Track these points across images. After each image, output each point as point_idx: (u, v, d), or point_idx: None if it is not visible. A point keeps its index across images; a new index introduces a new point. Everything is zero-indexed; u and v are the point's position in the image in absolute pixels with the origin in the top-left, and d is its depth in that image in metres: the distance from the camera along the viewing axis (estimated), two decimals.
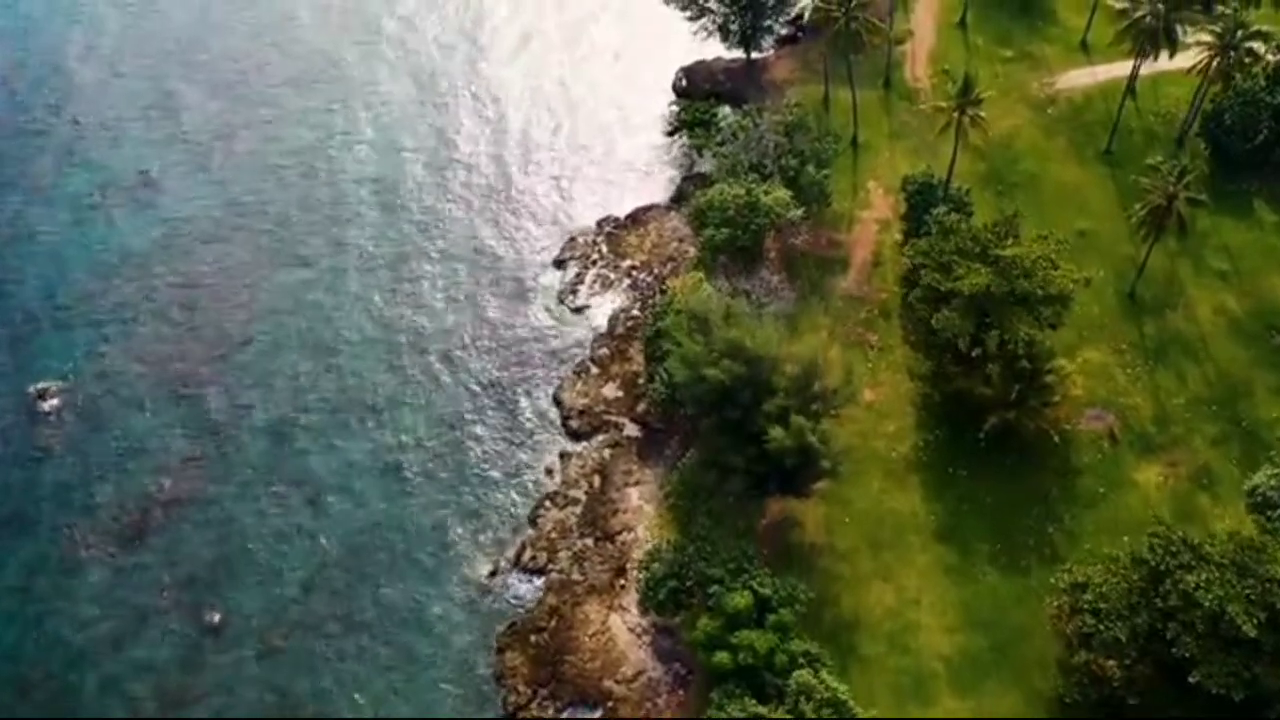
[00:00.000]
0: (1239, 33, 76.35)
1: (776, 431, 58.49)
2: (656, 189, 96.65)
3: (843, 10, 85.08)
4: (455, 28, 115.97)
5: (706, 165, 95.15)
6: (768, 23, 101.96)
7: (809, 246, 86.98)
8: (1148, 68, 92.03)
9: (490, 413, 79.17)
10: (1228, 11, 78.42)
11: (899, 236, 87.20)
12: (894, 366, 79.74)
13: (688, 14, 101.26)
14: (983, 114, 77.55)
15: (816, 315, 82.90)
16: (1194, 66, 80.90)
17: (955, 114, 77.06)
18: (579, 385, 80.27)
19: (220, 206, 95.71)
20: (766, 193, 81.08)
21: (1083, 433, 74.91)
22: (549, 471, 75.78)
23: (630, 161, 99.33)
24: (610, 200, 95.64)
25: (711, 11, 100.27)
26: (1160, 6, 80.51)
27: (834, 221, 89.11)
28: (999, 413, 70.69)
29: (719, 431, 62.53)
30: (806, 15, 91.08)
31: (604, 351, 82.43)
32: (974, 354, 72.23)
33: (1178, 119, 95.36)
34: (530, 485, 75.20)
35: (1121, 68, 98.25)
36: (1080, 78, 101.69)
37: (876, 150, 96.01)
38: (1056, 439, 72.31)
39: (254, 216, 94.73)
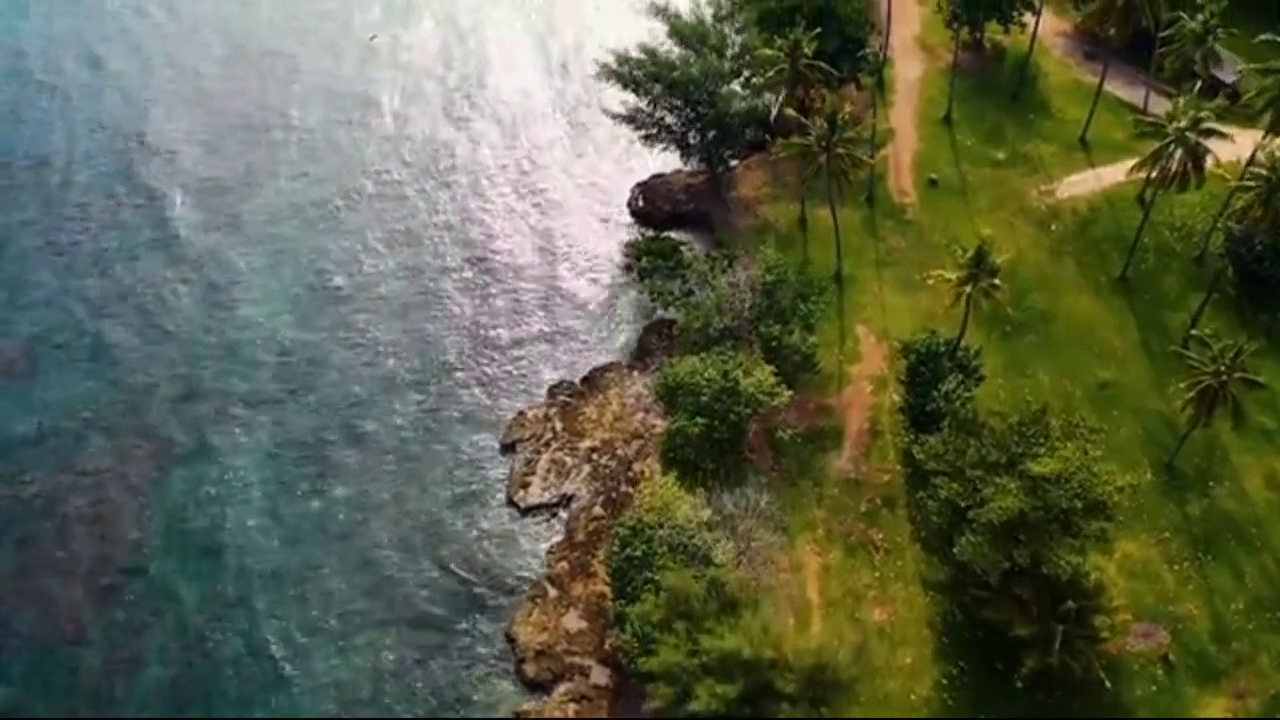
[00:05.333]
0: None
1: None
2: (615, 342, 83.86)
3: (823, 145, 73.07)
4: (376, 131, 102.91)
5: (671, 310, 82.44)
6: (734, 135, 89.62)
7: (795, 417, 74.83)
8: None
9: (427, 662, 65.68)
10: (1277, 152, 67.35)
11: (897, 398, 75.58)
12: (905, 575, 67.93)
13: (641, 133, 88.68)
14: (998, 283, 65.76)
15: (809, 509, 70.94)
16: (1236, 209, 69.80)
17: (967, 287, 65.09)
18: (535, 615, 67.49)
19: (108, 388, 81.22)
20: (746, 373, 68.96)
21: (1131, 655, 63.70)
22: None
23: (583, 307, 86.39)
24: (562, 358, 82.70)
25: (670, 130, 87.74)
26: (1191, 137, 69.30)
27: (821, 383, 77.06)
28: (1037, 655, 59.15)
29: None
30: (776, 150, 78.90)
31: (563, 566, 69.72)
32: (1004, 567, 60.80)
33: (1195, 233, 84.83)
34: None
35: (1127, 169, 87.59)
36: (1083, 183, 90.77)
37: (863, 285, 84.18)
38: (1104, 675, 60.91)
39: (146, 400, 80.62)
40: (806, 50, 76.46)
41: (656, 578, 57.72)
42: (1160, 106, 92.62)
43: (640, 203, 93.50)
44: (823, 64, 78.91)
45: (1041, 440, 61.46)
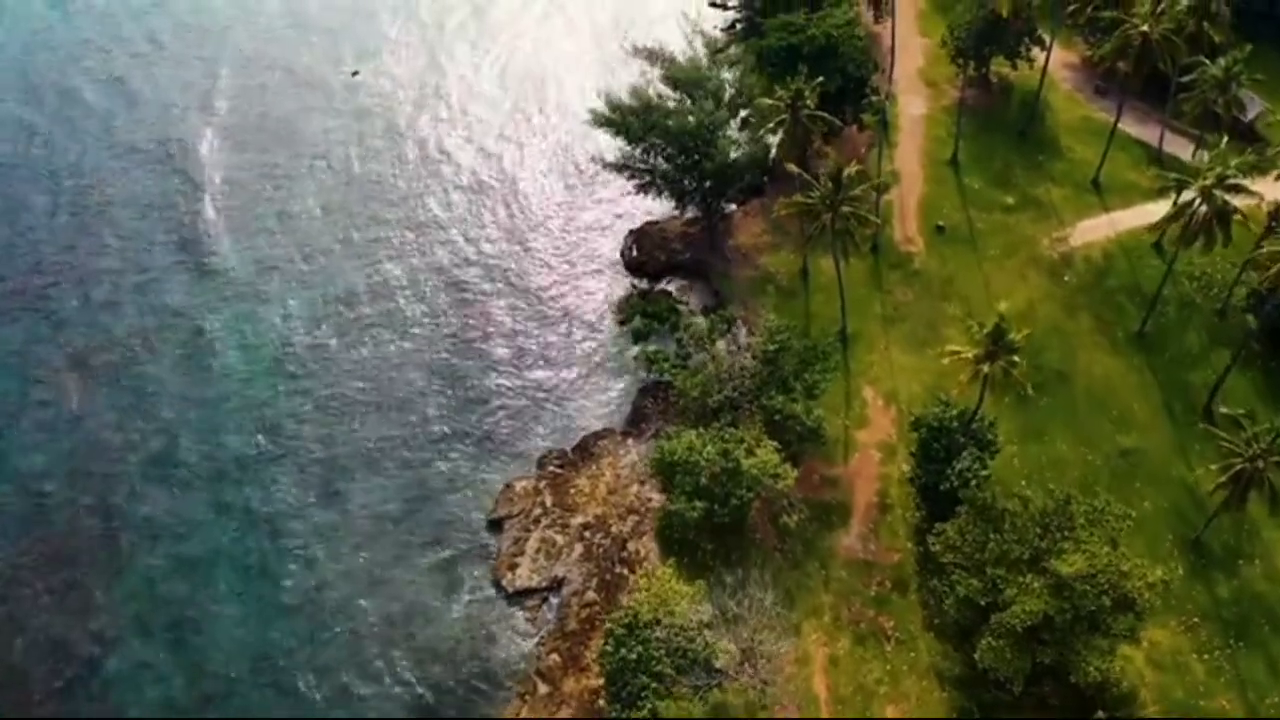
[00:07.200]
0: None
1: None
2: (607, 406, 79.28)
3: (827, 204, 68.81)
4: (357, 176, 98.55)
5: (668, 375, 77.74)
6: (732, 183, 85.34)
7: (799, 489, 70.36)
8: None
9: None
10: None
11: (906, 468, 71.30)
12: (918, 667, 63.59)
13: (635, 181, 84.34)
14: (1018, 359, 61.51)
15: (815, 593, 66.64)
16: (1271, 274, 65.66)
17: (984, 365, 60.80)
18: (524, 713, 63.16)
19: (77, 456, 76.74)
20: (748, 451, 64.66)
21: None
22: None
23: (574, 368, 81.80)
24: (552, 424, 78.16)
25: (665, 178, 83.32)
26: (1219, 195, 65.23)
27: (827, 450, 72.79)
28: None
29: None
30: (777, 210, 74.55)
31: (554, 658, 65.33)
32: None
33: (1216, 283, 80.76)
34: None
35: (1143, 213, 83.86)
36: (1097, 228, 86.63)
37: (869, 342, 79.90)
38: None
39: (116, 468, 76.03)
40: (809, 101, 72.23)
41: (653, 688, 53.48)
42: (1176, 145, 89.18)
43: (634, 252, 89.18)
44: (824, 114, 74.72)
45: (1066, 531, 57.33)
